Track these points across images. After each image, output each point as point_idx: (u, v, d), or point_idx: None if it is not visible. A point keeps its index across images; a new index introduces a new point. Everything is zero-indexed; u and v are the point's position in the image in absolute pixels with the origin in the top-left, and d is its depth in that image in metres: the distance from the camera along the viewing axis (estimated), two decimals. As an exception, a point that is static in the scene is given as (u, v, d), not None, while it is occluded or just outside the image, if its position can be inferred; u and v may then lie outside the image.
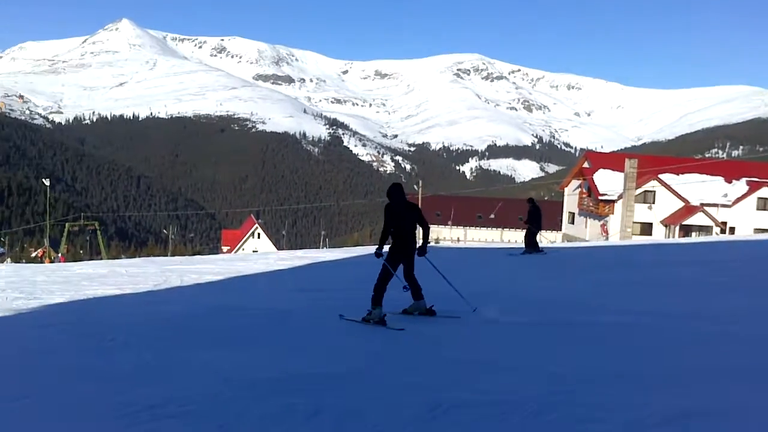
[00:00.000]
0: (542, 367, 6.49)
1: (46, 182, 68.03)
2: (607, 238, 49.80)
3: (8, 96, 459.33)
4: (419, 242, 9.57)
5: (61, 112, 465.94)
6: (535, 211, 21.24)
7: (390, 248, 9.36)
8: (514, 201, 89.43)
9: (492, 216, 75.41)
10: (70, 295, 13.77)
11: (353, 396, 5.58)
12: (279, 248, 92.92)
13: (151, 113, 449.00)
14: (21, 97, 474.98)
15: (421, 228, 9.60)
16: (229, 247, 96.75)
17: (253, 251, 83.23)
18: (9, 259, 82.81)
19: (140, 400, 5.52)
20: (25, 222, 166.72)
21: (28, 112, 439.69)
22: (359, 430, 4.80)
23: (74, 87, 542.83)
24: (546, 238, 72.71)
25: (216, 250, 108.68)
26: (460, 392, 5.59)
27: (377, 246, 9.51)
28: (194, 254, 79.98)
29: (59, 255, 61.63)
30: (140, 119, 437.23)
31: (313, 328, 9.04)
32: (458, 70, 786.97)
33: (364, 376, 6.27)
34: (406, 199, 9.40)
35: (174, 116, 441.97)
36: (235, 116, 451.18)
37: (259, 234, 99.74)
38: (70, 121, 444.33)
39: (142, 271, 19.71)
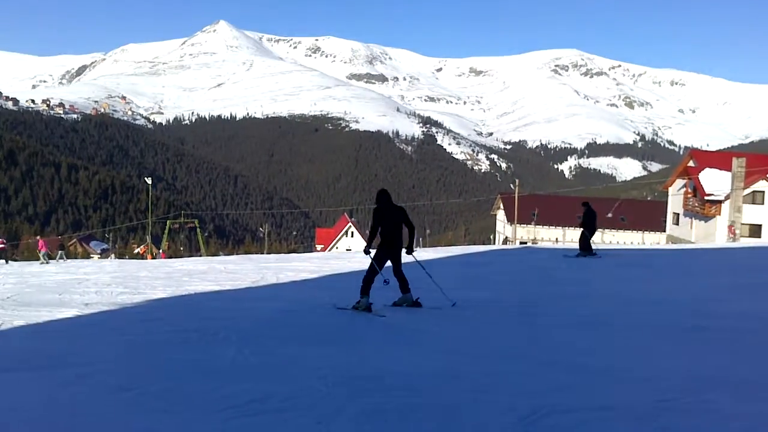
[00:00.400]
0: (642, 371, 6.35)
1: (148, 181, 70.41)
2: (735, 239, 47.98)
3: (111, 97, 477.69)
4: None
5: (162, 113, 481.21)
6: (590, 216, 21.35)
7: (378, 247, 10.43)
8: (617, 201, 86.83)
9: (609, 215, 73.38)
10: (172, 291, 14.24)
11: (449, 396, 5.57)
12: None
13: (248, 113, 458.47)
14: (123, 98, 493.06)
15: (407, 229, 10.63)
16: (322, 246, 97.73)
17: (347, 250, 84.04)
18: (113, 255, 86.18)
19: (241, 394, 5.69)
20: (128, 219, 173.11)
21: (130, 112, 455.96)
22: (457, 430, 4.79)
23: (174, 88, 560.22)
24: (648, 241, 70.87)
25: (310, 249, 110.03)
26: (559, 396, 5.52)
27: (366, 244, 10.54)
28: (290, 252, 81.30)
29: (160, 251, 63.67)
30: (237, 119, 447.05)
31: (407, 327, 9.10)
32: (556, 66, 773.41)
33: (459, 376, 6.25)
34: (393, 203, 10.44)
35: (269, 116, 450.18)
36: (329, 115, 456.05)
37: (352, 232, 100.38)
38: (170, 121, 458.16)
39: (240, 268, 20.20)
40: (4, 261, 37.87)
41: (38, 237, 40.62)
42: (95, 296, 13.76)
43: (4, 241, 40.71)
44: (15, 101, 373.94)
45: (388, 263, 10.77)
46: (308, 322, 9.54)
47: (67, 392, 6.03)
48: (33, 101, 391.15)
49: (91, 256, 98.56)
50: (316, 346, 7.73)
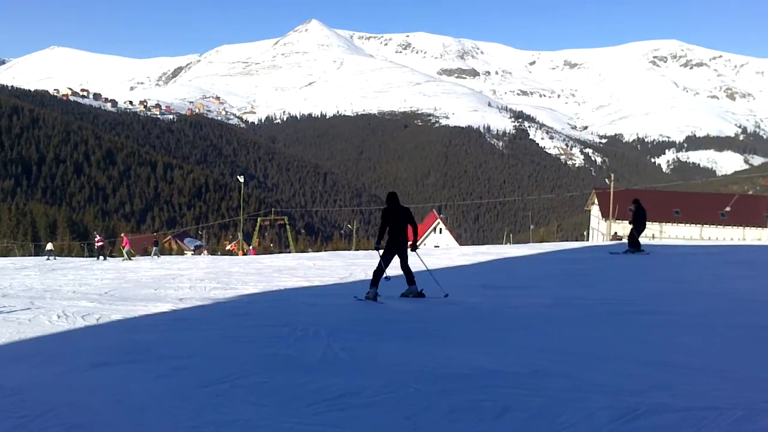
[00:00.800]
0: (748, 372, 6.07)
1: (241, 179, 71.91)
2: None
3: (206, 97, 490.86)
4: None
5: (254, 112, 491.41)
6: (640, 213, 21.26)
7: (387, 244, 11.57)
8: (719, 196, 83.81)
9: (727, 209, 70.60)
10: (263, 286, 14.50)
11: (541, 394, 5.44)
12: (461, 244, 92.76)
13: (338, 111, 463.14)
14: (217, 98, 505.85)
15: (411, 228, 11.72)
16: (410, 242, 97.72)
17: (435, 246, 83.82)
18: (206, 251, 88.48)
19: (331, 388, 5.71)
20: (220, 216, 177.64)
21: (224, 112, 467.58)
22: (549, 429, 4.67)
23: (266, 88, 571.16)
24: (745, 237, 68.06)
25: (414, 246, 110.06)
26: (658, 395, 5.32)
27: (376, 241, 11.87)
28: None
29: (250, 248, 64.98)
30: (327, 117, 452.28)
31: (497, 325, 8.94)
32: (654, 57, 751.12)
33: (550, 375, 6.10)
34: (400, 205, 11.63)
35: (359, 113, 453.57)
36: (419, 112, 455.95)
37: (440, 229, 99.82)
38: (262, 120, 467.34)
39: (329, 264, 20.40)
40: (102, 257, 39.32)
41: (122, 234, 42.11)
42: (189, 291, 14.14)
43: (102, 238, 42.28)
44: (114, 103, 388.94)
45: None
46: (397, 318, 9.52)
47: (163, 384, 6.21)
48: (131, 102, 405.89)
49: (185, 252, 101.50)
50: (405, 342, 7.70)
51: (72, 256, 59.46)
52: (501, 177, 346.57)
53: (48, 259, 37.03)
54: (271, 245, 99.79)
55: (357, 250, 57.47)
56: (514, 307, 10.31)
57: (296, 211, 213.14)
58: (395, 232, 11.43)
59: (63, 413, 5.38)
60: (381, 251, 11.67)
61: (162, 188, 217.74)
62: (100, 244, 40.96)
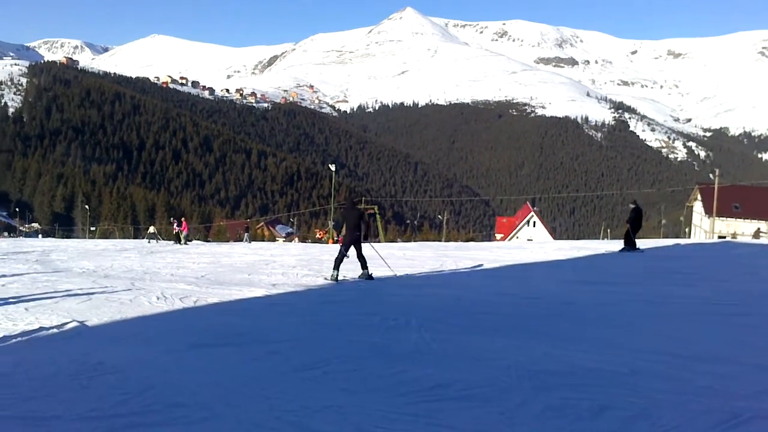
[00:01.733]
0: None
1: (332, 167, 72.57)
2: None
3: (300, 86, 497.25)
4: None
5: (347, 101, 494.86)
6: (639, 213, 21.66)
7: (345, 237, 14.16)
8: None
9: None
10: (353, 275, 14.55)
11: (639, 395, 5.26)
12: (555, 238, 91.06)
13: (431, 100, 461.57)
14: (311, 86, 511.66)
15: (364, 225, 14.14)
16: (502, 235, 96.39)
17: (528, 240, 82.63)
18: (297, 239, 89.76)
19: (423, 379, 5.68)
20: (311, 204, 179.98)
21: (317, 101, 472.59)
22: (646, 430, 4.54)
23: (359, 76, 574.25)
24: None
25: (489, 237, 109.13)
26: (764, 401, 5.10)
27: (337, 233, 15.23)
28: (468, 240, 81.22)
29: (339, 237, 65.82)
30: (419, 106, 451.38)
31: (594, 322, 8.70)
32: (764, 48, 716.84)
33: (649, 375, 5.88)
34: (355, 207, 14.66)
35: (452, 102, 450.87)
36: (514, 101, 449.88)
37: (534, 222, 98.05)
38: (355, 109, 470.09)
39: (419, 254, 20.36)
40: (182, 242, 40.09)
41: (182, 219, 42.98)
42: (281, 277, 14.35)
43: (179, 223, 43.17)
44: (211, 91, 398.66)
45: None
46: (490, 311, 9.39)
47: (256, 367, 6.32)
48: (227, 90, 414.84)
49: (277, 239, 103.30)
50: (499, 336, 7.57)
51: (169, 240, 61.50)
52: (599, 170, 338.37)
53: (149, 242, 38.23)
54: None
55: (447, 241, 57.30)
56: (612, 305, 10.02)
57: (386, 201, 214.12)
58: (349, 229, 13.97)
59: (162, 392, 5.53)
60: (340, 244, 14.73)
61: (256, 175, 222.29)
62: (178, 229, 41.79)
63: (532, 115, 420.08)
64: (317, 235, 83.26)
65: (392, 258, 19.15)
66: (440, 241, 57.35)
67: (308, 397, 5.31)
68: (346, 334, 7.79)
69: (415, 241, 76.20)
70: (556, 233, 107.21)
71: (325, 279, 14.09)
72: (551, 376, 5.81)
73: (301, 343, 7.41)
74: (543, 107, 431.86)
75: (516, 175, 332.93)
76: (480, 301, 10.37)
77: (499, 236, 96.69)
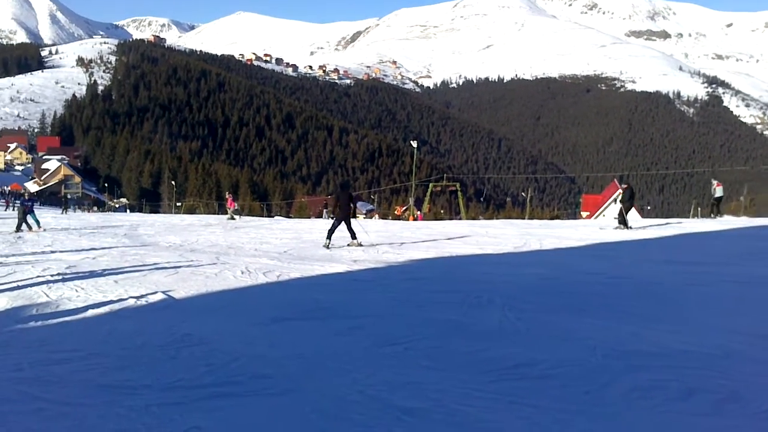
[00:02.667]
0: None
1: (414, 144, 72.29)
2: None
3: (382, 62, 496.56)
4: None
5: (430, 76, 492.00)
6: (630, 195, 22.66)
7: (338, 214, 16.92)
8: None
9: None
10: (435, 252, 14.49)
11: (730, 379, 5.08)
12: (643, 216, 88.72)
13: (516, 75, 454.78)
14: (394, 62, 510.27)
15: (352, 204, 17.40)
16: (588, 213, 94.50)
17: (614, 218, 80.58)
18: (377, 216, 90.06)
19: (506, 358, 5.63)
20: (392, 181, 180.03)
21: (399, 77, 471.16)
22: (740, 415, 4.39)
23: (443, 51, 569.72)
24: None
25: (574, 216, 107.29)
26: None
27: (331, 211, 21.35)
28: (552, 218, 79.98)
29: (419, 213, 65.40)
30: (504, 81, 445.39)
31: (683, 303, 8.40)
32: None
33: (742, 358, 5.68)
34: (345, 190, 17.67)
35: (539, 77, 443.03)
36: (603, 75, 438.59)
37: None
38: (438, 85, 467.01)
39: (502, 232, 20.12)
40: (228, 218, 40.32)
41: (228, 195, 43.31)
42: (362, 254, 14.40)
43: (233, 198, 43.57)
44: (294, 67, 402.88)
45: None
46: (575, 290, 9.18)
47: (340, 342, 6.36)
48: (310, 67, 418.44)
49: (357, 216, 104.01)
50: (584, 316, 7.40)
51: (252, 216, 62.62)
52: (690, 146, 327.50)
53: (232, 218, 38.86)
54: (442, 211, 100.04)
55: (531, 219, 56.55)
56: (703, 285, 9.65)
57: (468, 178, 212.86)
58: (342, 207, 16.85)
59: (247, 364, 5.62)
60: (332, 217, 18.42)
61: (337, 152, 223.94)
62: (233, 206, 42.24)
63: (622, 89, 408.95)
64: (396, 212, 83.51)
65: (474, 236, 18.99)
66: (524, 218, 56.57)
67: (390, 373, 5.32)
68: (428, 311, 7.75)
69: (498, 218, 75.54)
70: (644, 211, 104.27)
71: (323, 246, 16.44)
72: (639, 357, 5.66)
73: (382, 319, 7.41)
74: (633, 82, 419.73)
75: (603, 152, 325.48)
76: (565, 280, 10.15)
77: (585, 214, 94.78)
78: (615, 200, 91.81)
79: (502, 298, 8.32)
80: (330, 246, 16.32)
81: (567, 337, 6.36)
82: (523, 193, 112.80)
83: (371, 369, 5.42)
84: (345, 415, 4.46)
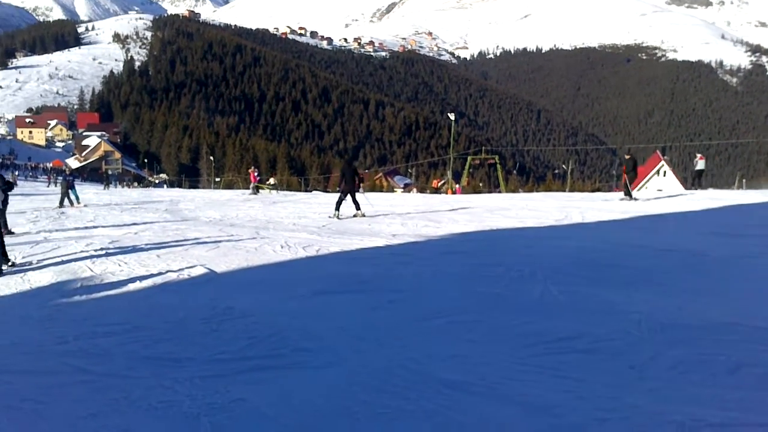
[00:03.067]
0: None
1: (451, 117, 71.61)
2: None
3: (418, 33, 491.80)
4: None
5: (467, 47, 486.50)
6: (633, 164, 22.92)
7: (343, 187, 18.15)
8: None
9: None
10: (474, 226, 14.38)
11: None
12: (687, 188, 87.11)
13: (555, 45, 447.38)
14: (430, 33, 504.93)
15: (357, 179, 18.67)
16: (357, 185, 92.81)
17: (657, 190, 79.50)
18: (415, 189, 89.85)
19: (549, 331, 5.57)
20: (429, 155, 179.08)
21: (435, 48, 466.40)
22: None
23: (480, 21, 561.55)
24: None
25: (616, 188, 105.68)
26: None
27: (339, 184, 19.06)
28: (593, 191, 79.14)
29: (457, 186, 65.07)
30: (543, 51, 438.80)
31: (734, 277, 8.20)
32: None
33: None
34: (351, 166, 18.87)
35: (578, 47, 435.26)
36: (644, 45, 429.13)
37: (665, 172, 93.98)
38: (474, 56, 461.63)
39: (543, 205, 19.92)
40: (260, 192, 40.32)
41: (250, 170, 43.31)
42: (401, 228, 14.35)
43: (259, 173, 43.61)
44: (329, 40, 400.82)
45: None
46: (618, 263, 9.03)
47: (380, 315, 6.35)
48: (345, 40, 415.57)
49: (395, 189, 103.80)
50: (628, 289, 7.30)
51: (291, 191, 62.78)
52: (734, 116, 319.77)
53: (255, 192, 38.97)
54: (481, 185, 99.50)
55: (572, 191, 56.03)
56: (751, 257, 9.42)
57: (507, 150, 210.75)
58: (347, 182, 18.08)
59: (289, 336, 5.65)
60: (340, 191, 18.51)
61: (374, 126, 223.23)
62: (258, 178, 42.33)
63: (663, 59, 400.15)
64: (433, 185, 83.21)
65: (514, 209, 18.84)
66: (564, 191, 55.94)
67: (433, 346, 5.30)
68: (470, 285, 7.70)
69: (538, 191, 74.91)
70: (687, 183, 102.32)
71: (329, 217, 17.87)
72: (685, 331, 5.56)
73: (424, 292, 7.39)
74: (674, 51, 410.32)
75: (645, 123, 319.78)
76: (608, 253, 9.99)
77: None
78: (657, 172, 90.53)
79: (544, 272, 8.24)
80: (340, 216, 17.64)
81: (611, 311, 6.28)
82: (563, 166, 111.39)
83: (413, 342, 5.41)
84: (387, 387, 4.46)
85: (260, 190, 40.36)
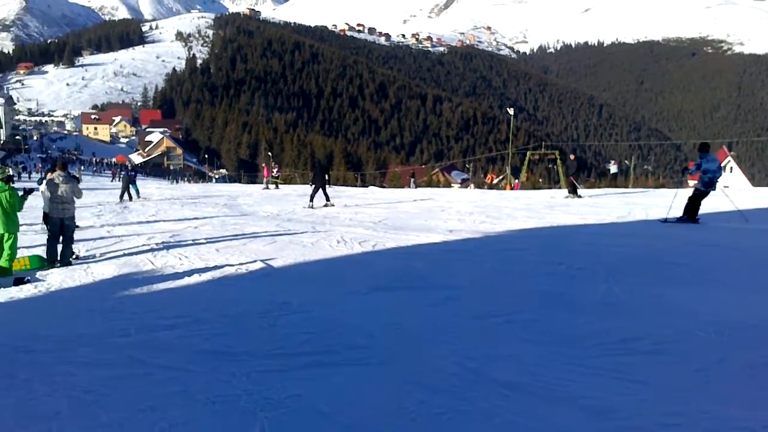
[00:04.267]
0: None
1: (510, 111, 70.96)
2: None
3: (477, 28, 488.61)
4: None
5: (526, 42, 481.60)
6: (577, 167, 24.54)
7: (312, 180, 21.87)
8: None
9: None
10: (534, 222, 14.20)
11: None
12: (754, 185, 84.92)
13: (617, 39, 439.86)
14: (488, 28, 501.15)
15: (327, 175, 21.40)
16: (695, 182, 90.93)
17: (724, 187, 77.35)
18: (472, 185, 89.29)
19: (611, 332, 5.43)
20: (487, 150, 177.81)
21: (494, 43, 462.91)
22: None
23: (540, 15, 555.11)
24: None
25: (680, 184, 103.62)
26: None
27: (311, 179, 22.82)
28: (657, 187, 77.61)
29: (516, 182, 64.40)
30: (605, 45, 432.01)
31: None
32: None
33: None
34: (321, 163, 23.71)
35: (641, 40, 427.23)
36: (709, 38, 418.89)
37: (731, 168, 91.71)
38: (534, 50, 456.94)
39: (604, 202, 19.61)
40: (270, 187, 39.91)
41: (263, 165, 43.33)
42: (458, 223, 14.24)
43: (279, 168, 43.63)
44: (387, 36, 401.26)
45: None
46: (684, 261, 8.78)
47: (438, 313, 6.29)
48: (403, 35, 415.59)
49: (452, 185, 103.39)
50: (693, 288, 7.09)
51: (346, 186, 63.00)
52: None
53: (267, 187, 38.99)
54: (540, 180, 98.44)
55: (635, 187, 55.02)
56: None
57: (567, 145, 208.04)
58: (319, 177, 21.19)
59: (344, 333, 5.63)
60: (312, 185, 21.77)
61: (431, 121, 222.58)
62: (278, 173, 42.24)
63: (729, 52, 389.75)
64: (488, 180, 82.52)
65: (575, 205, 18.57)
66: (627, 187, 54.78)
67: (489, 345, 5.22)
68: (529, 283, 7.58)
69: (599, 187, 73.82)
70: (755, 180, 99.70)
71: (303, 207, 20.51)
72: (754, 332, 5.40)
73: (481, 289, 7.30)
74: (741, 44, 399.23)
75: (710, 118, 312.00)
76: (673, 251, 9.73)
77: (691, 183, 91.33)
78: (724, 168, 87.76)
79: (606, 270, 8.06)
80: (312, 207, 20.48)
81: (676, 311, 6.10)
82: (626, 161, 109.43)
83: (469, 341, 5.33)
84: (443, 387, 4.39)
85: (276, 185, 39.97)
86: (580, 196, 22.21)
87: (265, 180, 40.98)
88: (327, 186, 21.68)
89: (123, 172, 34.93)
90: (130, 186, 26.27)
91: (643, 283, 7.39)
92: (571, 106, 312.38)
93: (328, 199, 21.10)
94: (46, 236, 10.55)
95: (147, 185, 35.80)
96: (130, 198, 25.85)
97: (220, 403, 4.20)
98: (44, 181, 10.96)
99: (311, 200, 20.96)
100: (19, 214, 9.80)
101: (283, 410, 4.07)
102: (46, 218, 10.60)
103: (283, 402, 4.19)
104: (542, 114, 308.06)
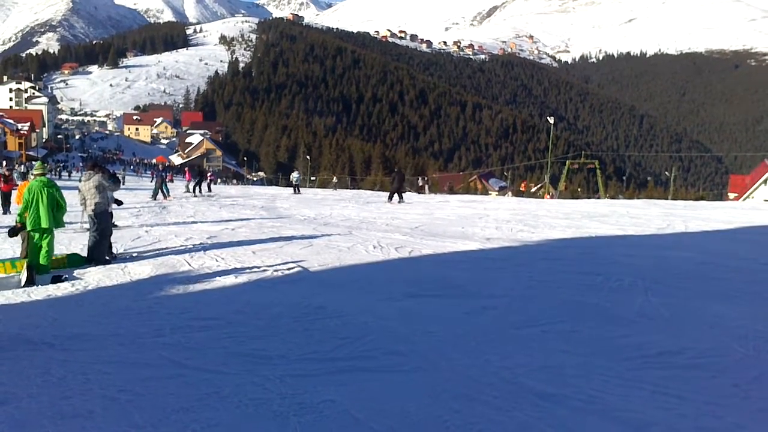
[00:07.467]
0: None
1: (551, 120, 70.58)
2: None
3: (519, 36, 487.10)
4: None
5: (568, 51, 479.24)
6: (401, 177, 27.75)
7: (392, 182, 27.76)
8: None
9: None
10: (572, 232, 14.07)
11: None
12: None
13: (660, 50, 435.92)
14: (531, 37, 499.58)
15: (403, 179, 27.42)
16: (736, 195, 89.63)
17: (765, 200, 76.11)
18: (510, 193, 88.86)
19: (649, 345, 5.36)
20: (526, 158, 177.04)
21: (536, 51, 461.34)
22: None
23: (582, 25, 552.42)
24: None
25: (721, 197, 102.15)
26: None
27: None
28: (697, 199, 76.59)
29: (551, 192, 63.83)
30: (647, 56, 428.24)
31: None
32: None
33: None
34: (400, 170, 29.50)
35: (683, 52, 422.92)
36: (753, 50, 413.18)
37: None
38: (576, 59, 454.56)
39: (644, 213, 19.39)
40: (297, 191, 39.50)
41: (185, 169, 43.02)
42: (495, 231, 14.16)
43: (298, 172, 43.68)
44: (429, 43, 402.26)
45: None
46: (724, 275, 8.68)
47: (474, 321, 6.25)
48: (445, 43, 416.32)
49: (490, 192, 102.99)
50: (734, 303, 6.99)
51: (384, 191, 63.16)
52: None
53: (335, 189, 39.16)
54: (579, 190, 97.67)
55: (675, 199, 54.25)
56: None
57: (607, 155, 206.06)
58: (397, 180, 25.81)
59: (379, 339, 5.61)
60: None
61: (470, 128, 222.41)
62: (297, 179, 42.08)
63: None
64: (521, 188, 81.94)
65: (614, 216, 18.37)
66: (667, 199, 54.17)
67: (525, 356, 5.17)
68: (566, 294, 7.50)
69: (639, 198, 73.03)
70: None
71: (384, 203, 24.74)
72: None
73: (518, 299, 7.23)
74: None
75: (753, 130, 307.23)
76: (712, 265, 9.61)
77: (732, 196, 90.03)
78: (765, 181, 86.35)
79: (645, 282, 7.96)
80: (391, 202, 24.83)
81: (715, 325, 6.00)
82: (666, 173, 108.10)
83: (506, 351, 5.28)
84: (479, 396, 4.35)
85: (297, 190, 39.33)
86: (396, 203, 26.22)
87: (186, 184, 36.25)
88: (402, 190, 26.97)
89: (156, 173, 35.28)
90: (163, 186, 26.87)
91: (682, 296, 7.28)
92: (612, 116, 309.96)
93: (401, 199, 26.42)
94: (86, 235, 10.71)
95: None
96: (164, 196, 26.36)
97: (253, 407, 4.20)
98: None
99: (390, 199, 26.78)
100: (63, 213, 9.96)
101: (316, 415, 4.06)
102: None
103: (316, 407, 4.18)
104: (582, 123, 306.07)
